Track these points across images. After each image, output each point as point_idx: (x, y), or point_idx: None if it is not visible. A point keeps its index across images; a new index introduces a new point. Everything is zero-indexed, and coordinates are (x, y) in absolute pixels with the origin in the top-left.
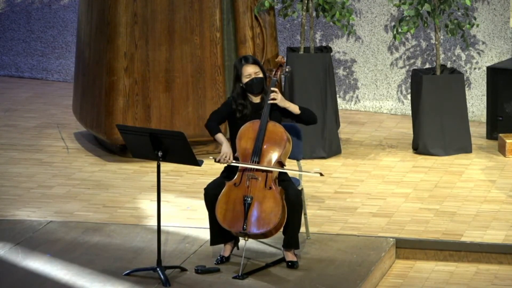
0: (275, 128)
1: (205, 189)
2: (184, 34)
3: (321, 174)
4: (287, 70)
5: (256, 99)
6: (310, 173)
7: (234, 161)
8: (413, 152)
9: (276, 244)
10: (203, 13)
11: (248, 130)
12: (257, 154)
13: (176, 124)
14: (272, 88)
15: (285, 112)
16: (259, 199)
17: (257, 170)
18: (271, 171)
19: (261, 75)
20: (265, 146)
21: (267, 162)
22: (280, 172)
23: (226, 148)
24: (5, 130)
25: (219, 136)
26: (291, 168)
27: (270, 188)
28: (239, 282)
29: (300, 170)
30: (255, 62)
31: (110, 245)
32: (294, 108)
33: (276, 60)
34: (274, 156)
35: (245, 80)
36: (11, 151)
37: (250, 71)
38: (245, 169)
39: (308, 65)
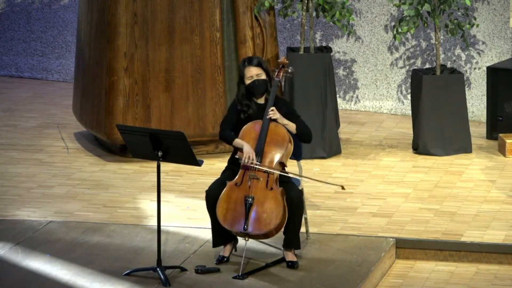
0: (277, 129)
1: (206, 191)
2: (184, 34)
3: (343, 188)
4: (289, 71)
5: (261, 100)
6: (332, 185)
7: (257, 164)
8: (413, 152)
9: (276, 244)
10: (203, 13)
11: (250, 130)
12: (259, 154)
13: (176, 124)
14: (270, 109)
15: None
16: (260, 200)
17: (259, 170)
18: (272, 173)
19: (263, 76)
20: (267, 147)
21: (269, 163)
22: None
23: (247, 148)
24: (5, 130)
25: (237, 142)
26: (291, 168)
27: (272, 188)
28: (239, 282)
29: (323, 181)
30: (259, 64)
31: (110, 245)
32: (291, 128)
33: (278, 61)
34: (276, 157)
35: (247, 81)
36: (11, 151)
37: (252, 73)
38: (247, 169)
39: (308, 65)
